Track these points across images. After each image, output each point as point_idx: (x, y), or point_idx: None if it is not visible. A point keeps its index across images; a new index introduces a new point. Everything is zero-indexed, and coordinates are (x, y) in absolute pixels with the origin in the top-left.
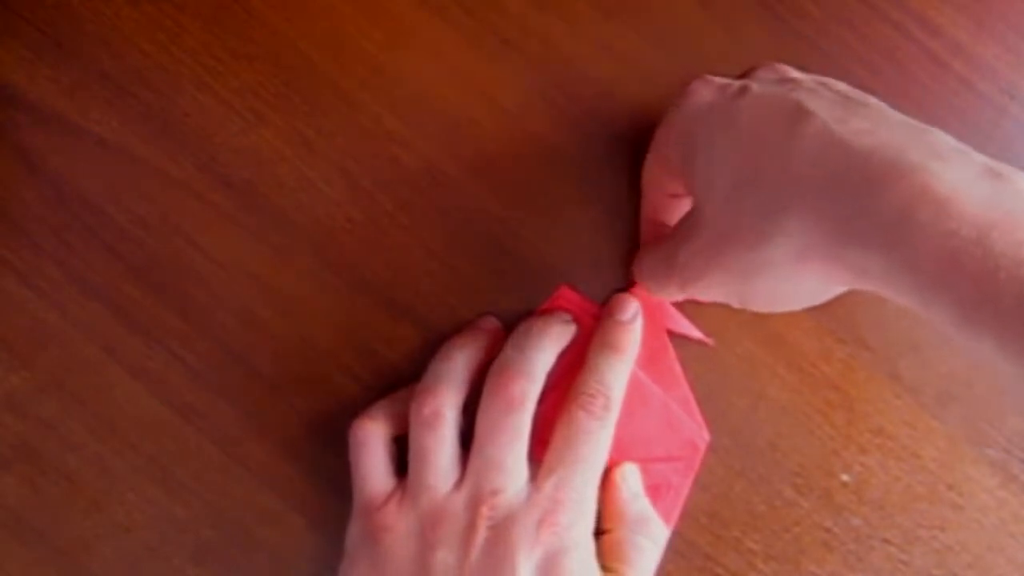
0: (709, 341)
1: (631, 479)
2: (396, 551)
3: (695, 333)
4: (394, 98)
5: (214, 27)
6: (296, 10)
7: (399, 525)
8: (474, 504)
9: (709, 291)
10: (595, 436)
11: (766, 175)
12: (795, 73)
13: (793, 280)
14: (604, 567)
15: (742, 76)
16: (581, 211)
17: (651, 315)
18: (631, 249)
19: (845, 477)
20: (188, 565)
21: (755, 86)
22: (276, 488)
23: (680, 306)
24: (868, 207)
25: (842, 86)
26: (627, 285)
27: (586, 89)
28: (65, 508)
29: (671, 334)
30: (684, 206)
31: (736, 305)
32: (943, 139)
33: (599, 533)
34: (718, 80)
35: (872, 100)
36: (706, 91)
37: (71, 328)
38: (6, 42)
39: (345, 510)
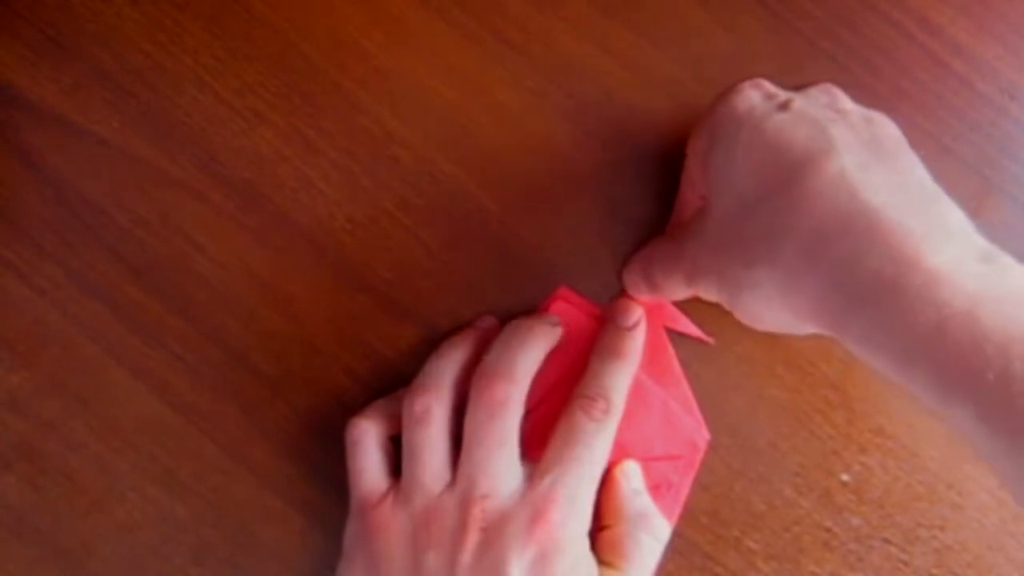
0: (709, 340)
1: (632, 475)
2: (390, 551)
3: (695, 331)
4: (394, 98)
5: (214, 27)
6: (296, 10)
7: (393, 525)
8: (466, 506)
9: (708, 292)
10: (593, 438)
11: (775, 197)
12: (847, 104)
13: (775, 307)
14: (604, 562)
15: (797, 89)
16: (581, 211)
17: (651, 314)
18: (631, 250)
19: (845, 477)
20: (189, 564)
21: (799, 103)
22: (277, 487)
23: (680, 305)
24: (862, 261)
25: (888, 129)
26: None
27: (586, 89)
28: (66, 508)
29: (671, 332)
30: None
31: (727, 309)
32: (952, 215)
33: (600, 529)
34: (768, 86)
35: (906, 155)
36: (753, 94)
37: (72, 328)
38: (6, 42)
39: (345, 509)
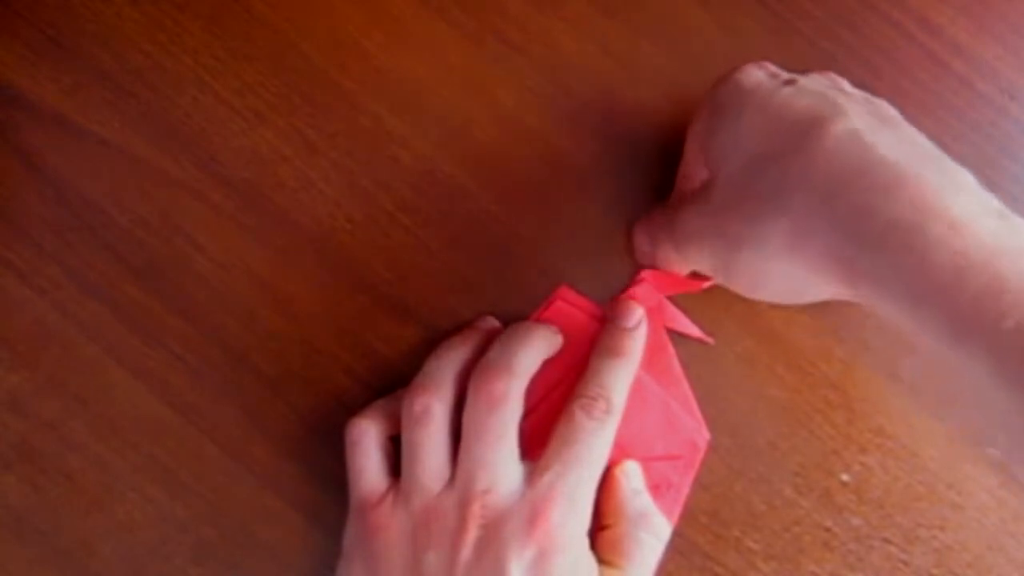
0: (709, 340)
1: (633, 475)
2: (389, 551)
3: (695, 331)
4: (394, 98)
5: (214, 27)
6: (296, 10)
7: (392, 525)
8: (465, 503)
9: (700, 256)
10: (593, 437)
11: (784, 157)
12: (848, 87)
13: (779, 264)
14: (604, 562)
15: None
16: (581, 211)
17: (651, 314)
18: (631, 249)
19: (845, 477)
20: (189, 565)
21: (804, 80)
22: (277, 487)
23: (680, 305)
24: (879, 209)
25: (891, 111)
26: (628, 284)
27: (586, 89)
28: (66, 508)
29: (671, 332)
30: None
31: (720, 280)
32: (967, 176)
33: (600, 529)
34: (772, 67)
35: (910, 127)
36: (757, 72)
37: (72, 328)
38: (6, 42)
39: (345, 509)
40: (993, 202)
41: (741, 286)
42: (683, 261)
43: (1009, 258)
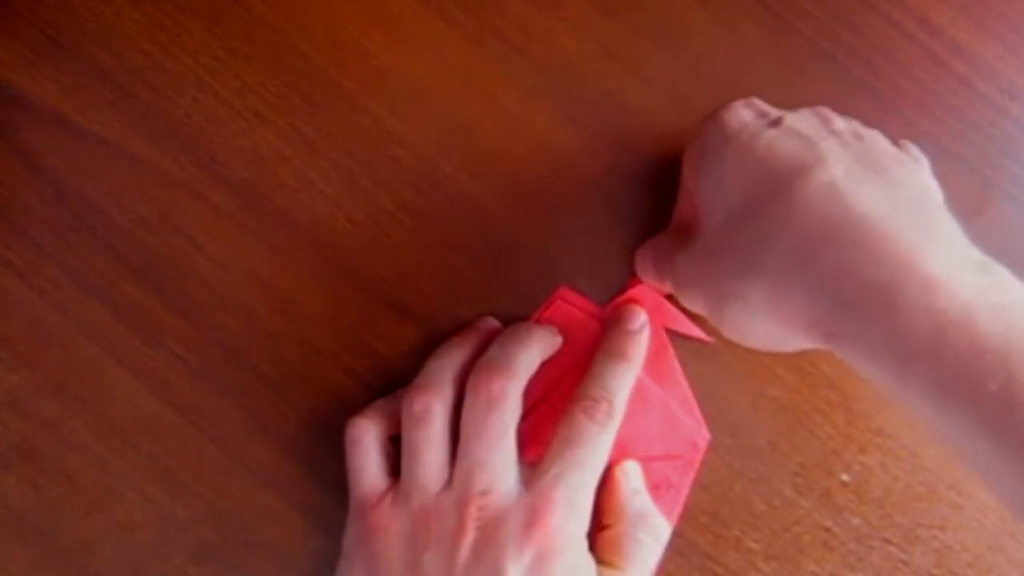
0: (709, 339)
1: (632, 475)
2: (388, 551)
3: (695, 332)
4: (394, 98)
5: (214, 27)
6: (296, 10)
7: (392, 525)
8: (463, 504)
9: (694, 303)
10: (594, 440)
11: (763, 210)
12: (838, 123)
13: (760, 319)
14: (603, 562)
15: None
16: (581, 211)
17: (651, 314)
18: (631, 250)
19: (845, 477)
20: (189, 564)
21: (789, 120)
22: (277, 487)
23: (680, 305)
24: (853, 268)
25: (880, 144)
26: (626, 284)
27: (586, 89)
28: (66, 508)
29: (671, 333)
30: None
31: (712, 323)
32: (945, 226)
33: (600, 529)
34: (760, 104)
35: (899, 168)
36: (744, 111)
37: (72, 328)
38: (6, 42)
39: (345, 509)
40: (973, 252)
41: (731, 336)
42: (682, 300)
43: (987, 315)
